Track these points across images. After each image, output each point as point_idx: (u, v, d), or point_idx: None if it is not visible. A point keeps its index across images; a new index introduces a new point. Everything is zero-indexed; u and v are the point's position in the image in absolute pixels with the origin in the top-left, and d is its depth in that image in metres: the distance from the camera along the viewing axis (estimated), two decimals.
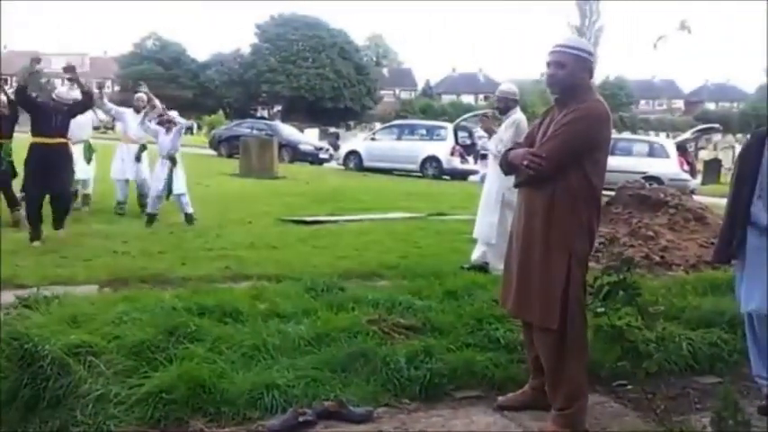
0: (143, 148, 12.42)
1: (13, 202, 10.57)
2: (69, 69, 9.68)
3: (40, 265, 7.81)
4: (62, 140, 9.30)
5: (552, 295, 3.95)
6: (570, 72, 4.04)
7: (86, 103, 9.75)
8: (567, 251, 3.96)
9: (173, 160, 11.23)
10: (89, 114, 11.51)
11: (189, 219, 11.37)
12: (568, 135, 3.96)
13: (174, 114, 11.78)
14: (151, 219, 11.18)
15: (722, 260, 5.17)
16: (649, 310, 3.42)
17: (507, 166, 4.34)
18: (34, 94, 9.81)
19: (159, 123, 11.39)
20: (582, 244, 4.03)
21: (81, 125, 11.36)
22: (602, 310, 3.56)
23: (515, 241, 4.26)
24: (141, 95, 12.62)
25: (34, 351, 3.78)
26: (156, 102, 12.29)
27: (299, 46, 68.20)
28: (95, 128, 13.20)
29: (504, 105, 8.25)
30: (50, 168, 9.12)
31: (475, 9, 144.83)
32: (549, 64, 4.11)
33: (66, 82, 10.54)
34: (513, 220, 4.40)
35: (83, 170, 11.95)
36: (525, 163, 4.00)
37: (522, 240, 4.14)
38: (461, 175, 24.19)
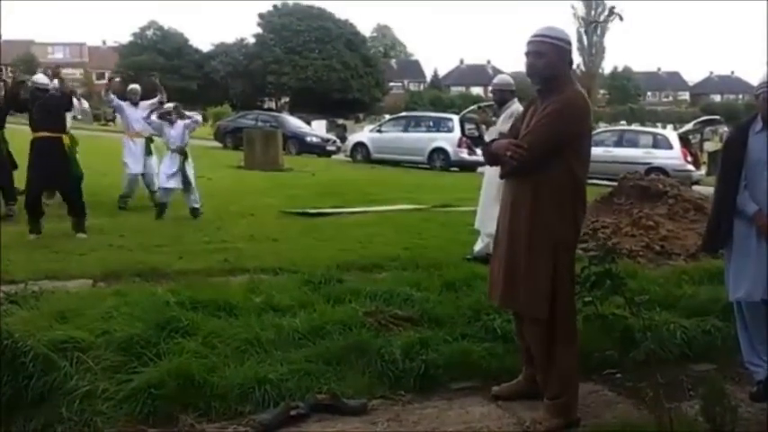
0: (150, 140, 12.28)
1: (10, 196, 10.58)
2: (55, 73, 10.56)
3: (33, 259, 7.73)
4: (51, 134, 9.31)
5: (539, 286, 3.96)
6: (549, 62, 4.04)
7: (67, 104, 9.92)
8: (552, 242, 3.97)
9: (184, 154, 11.19)
10: None
11: (195, 213, 11.29)
12: (549, 126, 3.96)
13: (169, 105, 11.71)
14: (162, 208, 11.18)
15: (710, 249, 5.32)
16: (634, 299, 3.40)
17: (490, 157, 4.34)
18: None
19: (160, 117, 11.34)
20: (567, 234, 4.03)
21: None
22: (590, 299, 3.55)
23: (501, 233, 4.26)
24: (135, 87, 12.58)
25: (14, 347, 3.73)
26: (164, 95, 12.26)
27: (305, 37, 67.39)
28: (95, 118, 13.24)
29: (500, 97, 8.20)
30: (45, 161, 9.18)
31: (482, 1, 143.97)
32: (527, 54, 4.10)
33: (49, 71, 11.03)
34: (499, 212, 4.37)
35: None
36: (509, 153, 3.99)
37: (508, 232, 4.14)
38: (470, 167, 24.00)
